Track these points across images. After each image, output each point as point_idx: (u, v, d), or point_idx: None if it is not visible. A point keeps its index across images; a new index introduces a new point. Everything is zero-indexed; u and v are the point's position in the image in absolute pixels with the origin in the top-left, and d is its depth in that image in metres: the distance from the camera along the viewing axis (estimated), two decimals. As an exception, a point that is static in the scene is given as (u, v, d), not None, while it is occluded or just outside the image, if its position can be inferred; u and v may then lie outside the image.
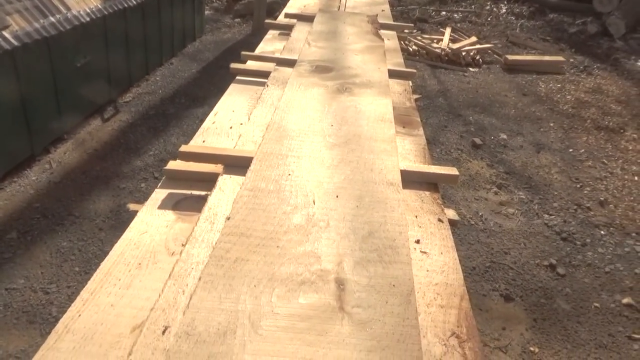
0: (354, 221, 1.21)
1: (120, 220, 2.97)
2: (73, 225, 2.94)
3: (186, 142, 1.65)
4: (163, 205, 1.47)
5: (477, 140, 4.41)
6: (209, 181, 1.52)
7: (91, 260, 2.64)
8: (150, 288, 1.11)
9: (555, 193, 3.72)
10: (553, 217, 3.41)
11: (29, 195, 3.20)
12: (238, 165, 1.52)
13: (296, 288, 0.98)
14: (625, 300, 2.69)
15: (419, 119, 2.10)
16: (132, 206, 1.58)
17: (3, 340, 2.11)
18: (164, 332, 0.94)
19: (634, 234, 3.28)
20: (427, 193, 1.51)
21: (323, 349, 0.85)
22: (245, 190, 1.30)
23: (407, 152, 1.78)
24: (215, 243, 1.10)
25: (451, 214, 1.60)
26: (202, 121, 1.84)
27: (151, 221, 1.39)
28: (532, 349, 2.37)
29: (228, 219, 1.18)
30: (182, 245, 1.24)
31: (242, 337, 0.86)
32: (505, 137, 4.58)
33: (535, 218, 3.40)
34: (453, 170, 1.60)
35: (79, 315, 1.06)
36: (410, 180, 1.54)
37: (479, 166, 4.06)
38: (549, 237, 3.19)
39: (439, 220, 1.38)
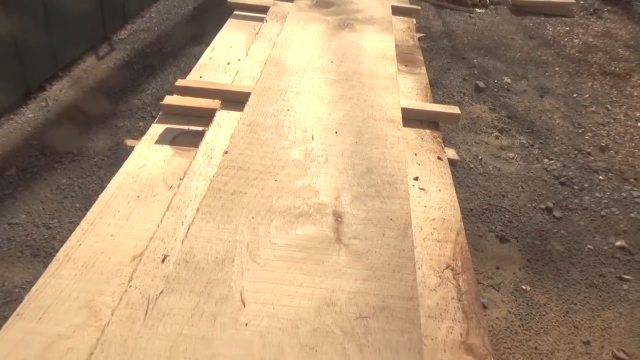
0: (352, 157, 1.20)
1: (119, 159, 2.96)
2: (72, 163, 2.93)
3: (183, 78, 1.61)
4: (160, 140, 1.46)
5: (481, 84, 4.33)
6: (206, 117, 1.49)
7: (91, 197, 2.66)
8: (149, 220, 1.11)
9: (557, 138, 3.69)
10: (553, 161, 3.41)
11: (26, 132, 3.17)
12: (236, 100, 1.49)
13: (294, 220, 0.98)
14: (618, 243, 2.74)
15: (421, 58, 2.04)
16: (129, 142, 1.56)
17: (9, 273, 2.16)
18: (163, 261, 0.95)
19: (632, 180, 3.29)
20: (428, 131, 1.49)
21: (320, 277, 0.86)
22: (243, 124, 1.28)
23: (409, 90, 1.74)
24: (213, 176, 1.10)
25: (451, 153, 1.59)
26: (199, 59, 1.79)
27: (149, 155, 1.38)
28: (524, 287, 2.43)
29: (226, 152, 1.17)
30: (180, 179, 1.24)
31: (240, 265, 0.87)
32: (509, 80, 4.49)
33: (534, 162, 3.39)
34: (455, 109, 1.58)
35: (80, 245, 1.08)
36: (411, 118, 1.52)
37: (481, 110, 4.01)
38: (547, 182, 3.20)
39: (439, 158, 1.37)
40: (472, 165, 3.30)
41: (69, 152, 3.03)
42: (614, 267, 2.61)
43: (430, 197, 1.22)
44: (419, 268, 1.01)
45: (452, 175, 1.40)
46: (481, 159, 3.37)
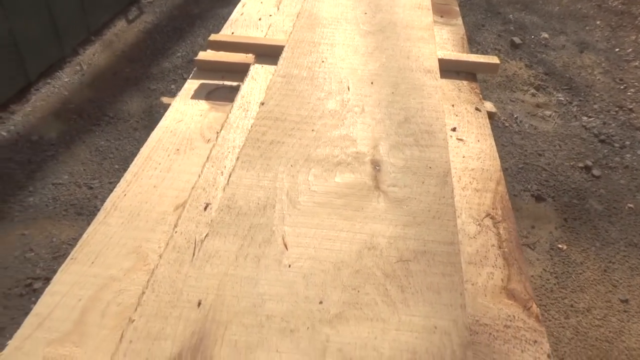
0: (389, 107, 1.18)
1: (154, 121, 3.01)
2: (109, 126, 3.00)
3: (214, 39, 1.59)
4: (196, 95, 1.47)
5: (517, 40, 4.16)
6: (240, 72, 1.49)
7: (129, 159, 2.72)
8: (189, 172, 1.14)
9: (597, 95, 3.54)
10: (592, 119, 3.28)
11: (63, 96, 3.25)
12: (269, 54, 1.48)
13: (332, 168, 0.99)
14: (660, 202, 2.66)
15: (457, 9, 1.97)
16: (165, 99, 1.58)
17: (56, 230, 2.26)
18: (205, 208, 0.97)
19: (677, 137, 3.15)
20: (465, 83, 1.45)
21: (360, 223, 0.87)
22: (278, 76, 1.28)
23: (445, 41, 1.69)
24: (251, 126, 1.10)
25: (489, 106, 1.55)
26: (230, 16, 1.77)
27: (185, 110, 1.40)
28: (560, 246, 2.40)
29: (262, 104, 1.18)
30: (217, 132, 1.25)
31: (281, 210, 0.88)
32: (546, 36, 4.30)
33: (573, 120, 3.28)
34: (493, 59, 1.53)
35: (125, 195, 1.11)
36: (448, 69, 1.48)
37: (517, 67, 3.87)
38: (586, 140, 3.10)
39: (477, 109, 1.34)
40: (507, 124, 3.21)
41: (105, 115, 3.09)
42: (655, 225, 2.53)
43: (468, 148, 1.20)
44: (458, 216, 1.00)
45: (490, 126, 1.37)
46: (516, 117, 3.28)
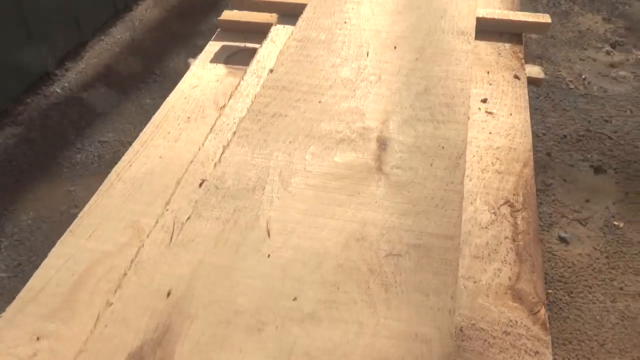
0: (409, 75, 1.07)
1: (198, 79, 3.01)
2: (155, 83, 3.03)
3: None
4: (216, 59, 1.42)
5: (595, -11, 3.72)
6: (262, 32, 1.41)
7: (172, 117, 2.76)
8: (197, 142, 1.10)
9: (684, 53, 3.13)
10: (675, 81, 2.91)
11: (114, 53, 3.31)
12: (293, 13, 1.39)
13: (333, 146, 0.91)
14: None
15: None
16: (192, 61, 1.54)
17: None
18: (200, 185, 0.93)
19: None
20: (507, 45, 1.30)
21: (352, 210, 0.80)
22: (294, 40, 1.19)
23: (492, -4, 1.51)
24: (254, 97, 1.04)
25: (535, 71, 1.39)
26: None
27: (203, 75, 1.36)
28: (616, 223, 2.19)
29: (271, 71, 1.10)
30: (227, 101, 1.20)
31: (271, 193, 0.83)
32: (632, -17, 3.81)
33: (651, 82, 2.92)
34: (543, 17, 1.35)
35: (130, 165, 1.10)
36: (490, 30, 1.33)
37: (593, 21, 3.47)
38: (664, 105, 2.76)
39: (515, 77, 1.19)
40: (572, 86, 2.92)
41: (152, 73, 3.12)
42: None
43: (497, 122, 1.07)
44: (472, 203, 0.90)
45: (543, 98, 1.23)
46: (585, 78, 2.97)
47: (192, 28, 3.58)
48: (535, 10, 3.75)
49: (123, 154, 1.17)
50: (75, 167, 2.44)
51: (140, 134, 1.19)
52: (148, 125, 1.21)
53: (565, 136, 2.59)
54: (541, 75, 1.40)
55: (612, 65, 3.10)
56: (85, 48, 3.34)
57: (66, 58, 3.19)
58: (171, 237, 0.78)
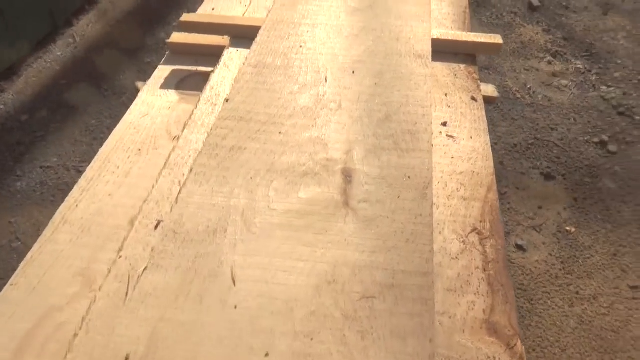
0: (370, 102, 1.05)
1: (146, 97, 2.89)
2: (101, 103, 2.90)
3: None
4: (166, 85, 1.35)
5: (535, 2, 3.88)
6: (215, 55, 1.36)
7: (120, 138, 2.64)
8: (150, 176, 1.03)
9: (619, 62, 3.30)
10: (612, 89, 3.07)
11: (55, 71, 3.14)
12: (246, 36, 1.34)
13: (297, 181, 0.87)
14: (680, 180, 2.49)
15: (462, -25, 1.79)
16: (140, 85, 1.47)
17: (43, 217, 2.20)
18: (156, 227, 0.88)
19: None
20: (462, 67, 1.31)
21: (321, 249, 0.77)
22: (249, 66, 1.15)
23: (444, 16, 1.53)
24: (211, 129, 0.99)
25: (490, 90, 1.41)
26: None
27: (153, 102, 1.29)
28: (568, 228, 2.27)
29: (227, 100, 1.06)
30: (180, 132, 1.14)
31: (234, 235, 0.78)
32: (567, -5, 4.01)
33: (591, 90, 3.07)
34: (496, 38, 1.37)
35: (77, 206, 1.02)
36: (444, 51, 1.33)
37: (534, 32, 3.62)
38: (603, 112, 2.90)
39: (473, 99, 1.20)
40: (519, 96, 3.02)
41: (97, 91, 2.98)
42: (673, 206, 2.38)
43: (459, 146, 1.07)
44: (440, 232, 0.89)
45: (494, 109, 1.24)
46: (530, 88, 3.08)
47: (138, 43, 3.45)
48: (480, 22, 3.88)
49: (68, 180, 1.10)
50: (15, 196, 2.28)
51: (87, 170, 1.11)
52: (95, 159, 1.13)
53: (515, 145, 2.67)
54: (495, 94, 1.43)
55: (554, 75, 3.23)
56: (22, 67, 3.15)
57: (1, 77, 3.00)
58: (127, 292, 0.71)
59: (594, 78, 3.18)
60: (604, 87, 3.09)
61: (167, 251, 0.76)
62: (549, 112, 2.91)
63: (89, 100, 2.94)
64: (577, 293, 2.03)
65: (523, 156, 2.62)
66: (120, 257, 0.82)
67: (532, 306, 1.98)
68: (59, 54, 3.32)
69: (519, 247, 2.17)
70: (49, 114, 2.82)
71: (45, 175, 2.40)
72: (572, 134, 2.76)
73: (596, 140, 2.71)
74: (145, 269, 0.74)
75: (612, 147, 2.66)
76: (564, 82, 3.15)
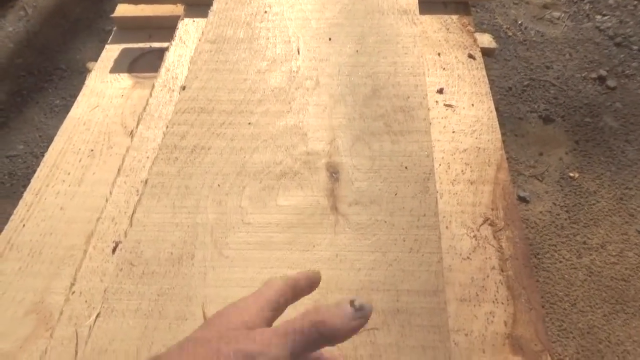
0: (352, 75, 0.89)
1: (111, 70, 2.67)
2: (62, 80, 2.67)
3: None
4: (117, 67, 1.18)
5: None
6: (170, 28, 1.18)
7: (88, 119, 2.45)
8: (107, 182, 0.89)
9: (612, -14, 3.10)
10: (607, 17, 2.88)
11: (9, 50, 2.88)
12: (203, 2, 1.16)
13: (274, 184, 0.73)
14: (684, 111, 2.36)
15: None
16: (91, 65, 1.29)
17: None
18: (114, 251, 0.74)
19: None
20: (455, 17, 1.14)
21: (309, 272, 0.64)
22: (206, 42, 0.97)
23: (429, -43, 1.33)
24: (166, 127, 0.83)
25: (486, 40, 1.24)
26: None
27: (103, 90, 1.12)
28: (571, 174, 2.16)
29: (183, 88, 0.89)
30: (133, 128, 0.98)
31: (203, 262, 0.65)
32: None
33: (585, 21, 2.88)
34: (490, -20, 1.19)
35: (24, 226, 0.88)
36: (432, 0, 1.16)
37: (521, -40, 3.37)
38: (600, 44, 2.73)
39: (470, 56, 1.04)
40: (510, 33, 2.83)
41: (57, 68, 2.75)
42: (678, 141, 2.27)
43: (460, 117, 0.92)
44: (447, 227, 0.76)
45: (486, 61, 1.09)
46: (521, 24, 2.88)
47: (95, 10, 3.18)
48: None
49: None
50: (-19, 193, 2.12)
51: (32, 180, 0.96)
52: (40, 167, 0.98)
53: (510, 88, 2.52)
54: (493, 45, 1.26)
55: (546, 7, 3.03)
56: (-29, 47, 2.89)
57: (-50, 62, 2.75)
58: (76, 348, 0.59)
59: (587, 7, 2.98)
60: (598, 17, 2.90)
61: (123, 290, 0.63)
62: (543, 49, 2.73)
63: (49, 78, 2.71)
64: (585, 243, 1.95)
65: (519, 99, 2.47)
66: (74, 292, 0.69)
67: (539, 261, 1.90)
68: (10, 29, 3.05)
69: (522, 199, 2.07)
70: (8, 98, 2.61)
71: (13, 165, 2.23)
72: (568, 70, 2.60)
73: (594, 75, 2.56)
74: (97, 316, 0.60)
75: (610, 82, 2.52)
76: (556, 13, 2.95)
